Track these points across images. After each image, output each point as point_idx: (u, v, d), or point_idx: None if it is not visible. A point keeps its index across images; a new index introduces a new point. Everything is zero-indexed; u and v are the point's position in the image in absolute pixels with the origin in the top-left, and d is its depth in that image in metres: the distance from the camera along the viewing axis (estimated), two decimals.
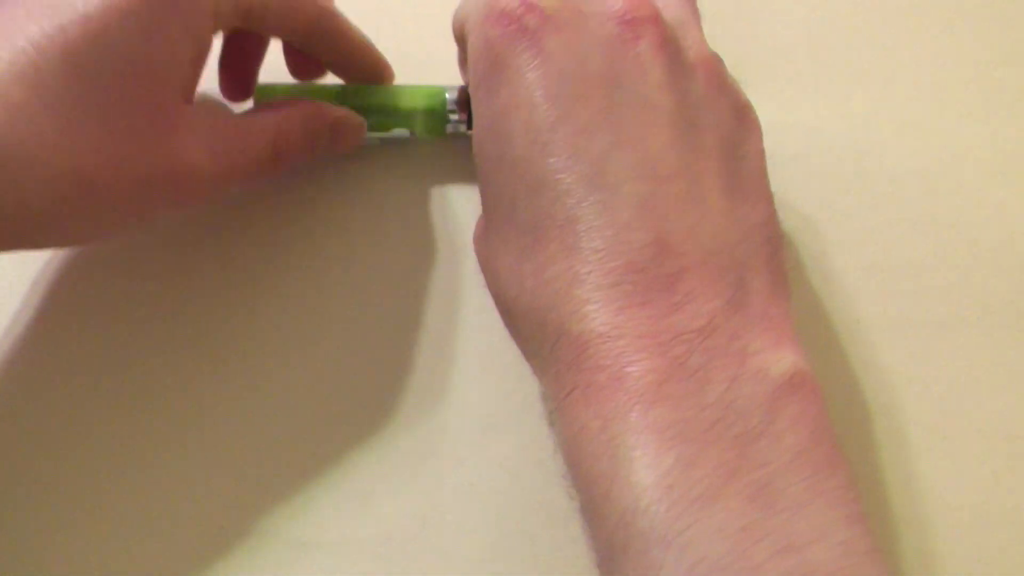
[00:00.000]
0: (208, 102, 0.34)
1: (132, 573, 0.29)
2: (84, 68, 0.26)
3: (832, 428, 0.22)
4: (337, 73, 0.34)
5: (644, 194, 0.23)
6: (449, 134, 0.34)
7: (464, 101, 0.33)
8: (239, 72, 0.34)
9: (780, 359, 0.22)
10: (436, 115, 0.34)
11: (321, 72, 0.35)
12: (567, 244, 0.23)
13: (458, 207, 0.34)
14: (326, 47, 0.33)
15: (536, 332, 0.24)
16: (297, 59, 0.34)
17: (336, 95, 0.34)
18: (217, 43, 0.31)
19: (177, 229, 0.34)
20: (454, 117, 0.33)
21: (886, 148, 0.35)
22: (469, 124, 0.33)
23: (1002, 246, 0.33)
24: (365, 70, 0.34)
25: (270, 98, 0.34)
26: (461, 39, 0.28)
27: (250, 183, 0.31)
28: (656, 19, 0.25)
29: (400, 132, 0.34)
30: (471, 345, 0.32)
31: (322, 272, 0.33)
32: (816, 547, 0.20)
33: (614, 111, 0.24)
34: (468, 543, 0.29)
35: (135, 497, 0.30)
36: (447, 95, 0.33)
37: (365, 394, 0.31)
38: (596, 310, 0.22)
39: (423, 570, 0.29)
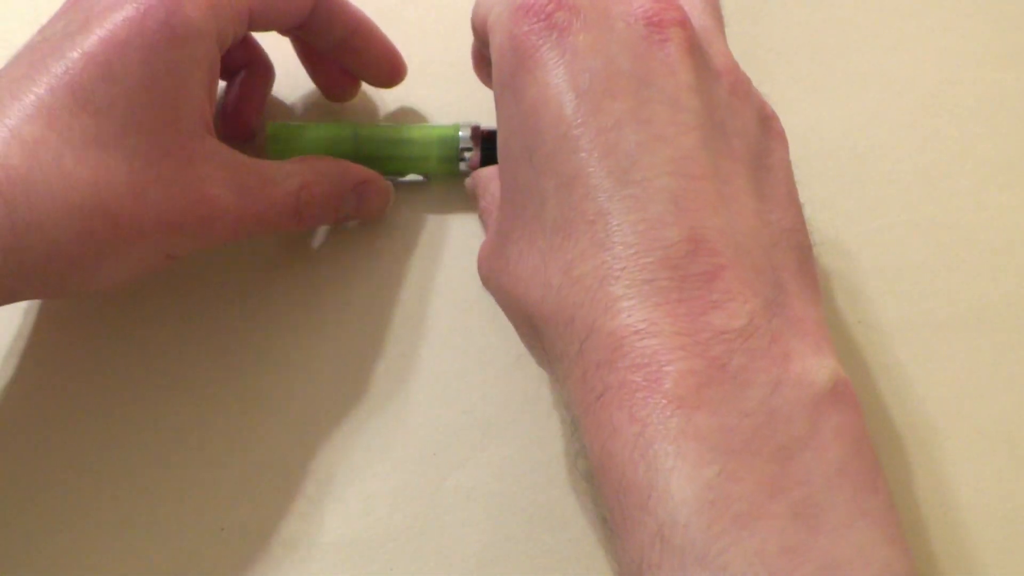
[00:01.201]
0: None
1: (133, 573, 0.29)
2: (93, 103, 0.26)
3: (871, 442, 0.22)
4: (347, 62, 0.34)
5: (676, 190, 0.23)
6: (461, 173, 0.34)
7: (478, 139, 0.33)
8: (240, 112, 0.34)
9: (823, 366, 0.22)
10: (449, 159, 0.34)
11: (349, 82, 0.35)
12: (598, 240, 0.22)
13: (461, 231, 0.34)
14: (330, 28, 0.33)
15: (563, 333, 0.23)
16: (313, 59, 0.35)
17: (350, 135, 0.34)
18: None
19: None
20: (468, 155, 0.34)
21: (886, 149, 0.35)
22: (482, 162, 0.34)
23: (1002, 247, 0.33)
24: (373, 52, 0.34)
25: (285, 141, 0.34)
26: (482, 32, 0.27)
27: (271, 232, 0.31)
28: (685, 23, 0.25)
29: (414, 177, 0.34)
30: (472, 349, 0.32)
31: (327, 280, 0.34)
32: (858, 571, 0.19)
33: (643, 109, 0.23)
34: (467, 544, 0.29)
35: (136, 498, 0.30)
36: (460, 132, 0.34)
37: (366, 397, 0.31)
38: (631, 306, 0.21)
39: (423, 570, 0.29)
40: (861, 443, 0.21)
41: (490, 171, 0.32)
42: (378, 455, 0.31)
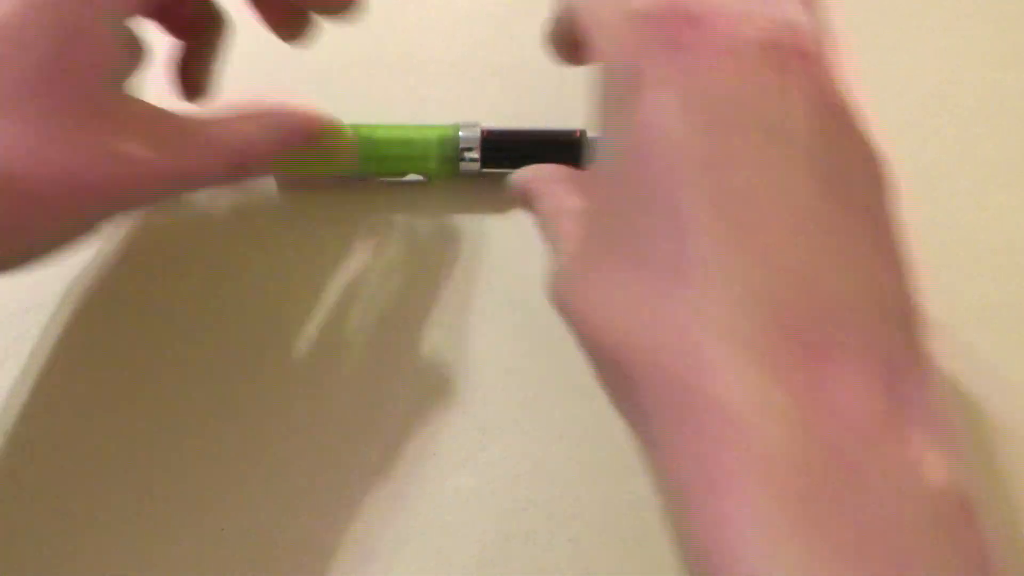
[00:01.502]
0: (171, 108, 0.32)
1: (133, 573, 0.29)
2: None
3: (996, 563, 0.20)
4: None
5: (792, 246, 0.20)
6: (462, 173, 0.34)
7: (483, 142, 0.33)
8: (190, 69, 0.33)
9: (949, 468, 0.19)
10: (449, 159, 0.34)
11: (297, 17, 0.32)
12: (702, 289, 0.20)
13: (460, 232, 0.34)
14: None
15: (647, 379, 0.21)
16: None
17: (350, 135, 0.33)
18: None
19: (189, 247, 0.34)
20: (468, 156, 0.33)
21: (886, 148, 0.35)
22: (482, 163, 0.33)
23: (1002, 247, 0.33)
24: None
25: None
26: (567, 23, 0.25)
27: (216, 187, 0.29)
28: (814, 56, 0.23)
29: (414, 177, 0.34)
30: (472, 349, 0.32)
31: (325, 281, 0.34)
32: None
33: (762, 150, 0.21)
34: (467, 544, 0.29)
35: (137, 498, 0.30)
36: (460, 132, 0.33)
37: (366, 397, 0.31)
38: (740, 372, 0.19)
39: (423, 570, 0.29)
40: (987, 563, 0.19)
41: (549, 173, 0.28)
42: (378, 455, 0.31)
